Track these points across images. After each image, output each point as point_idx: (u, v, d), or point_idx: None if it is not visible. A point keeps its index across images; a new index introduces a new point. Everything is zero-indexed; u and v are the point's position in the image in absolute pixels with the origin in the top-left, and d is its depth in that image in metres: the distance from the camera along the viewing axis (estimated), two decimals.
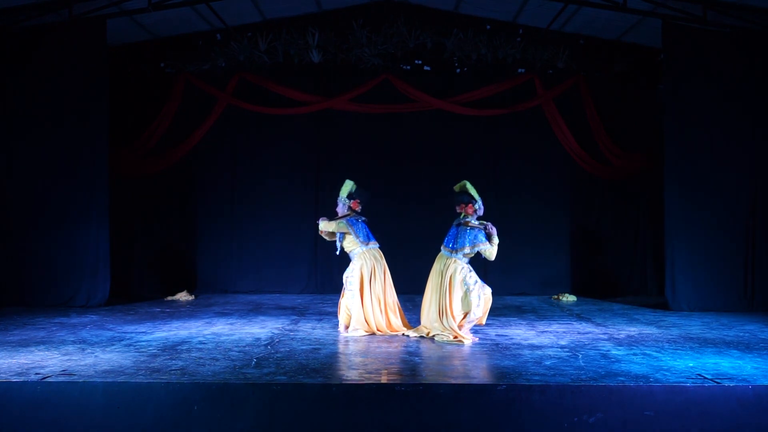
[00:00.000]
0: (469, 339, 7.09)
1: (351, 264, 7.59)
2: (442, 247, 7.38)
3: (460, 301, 7.17)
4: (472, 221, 7.26)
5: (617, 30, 11.13)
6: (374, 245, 7.64)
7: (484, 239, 7.19)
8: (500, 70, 11.70)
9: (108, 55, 10.15)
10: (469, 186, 7.34)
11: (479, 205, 7.29)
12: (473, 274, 7.27)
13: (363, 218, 7.72)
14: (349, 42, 11.68)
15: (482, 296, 7.18)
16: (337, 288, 11.34)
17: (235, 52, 11.63)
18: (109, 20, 9.89)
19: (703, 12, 9.60)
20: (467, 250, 7.18)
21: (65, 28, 9.87)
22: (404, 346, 6.68)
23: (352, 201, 7.69)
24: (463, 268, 7.21)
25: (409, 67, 11.81)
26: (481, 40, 11.64)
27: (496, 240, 7.19)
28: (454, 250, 7.22)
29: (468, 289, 7.15)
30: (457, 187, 7.44)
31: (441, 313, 7.22)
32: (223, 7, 10.71)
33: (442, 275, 7.23)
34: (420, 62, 11.81)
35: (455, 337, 7.07)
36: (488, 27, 11.71)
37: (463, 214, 7.32)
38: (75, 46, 9.87)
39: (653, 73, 11.44)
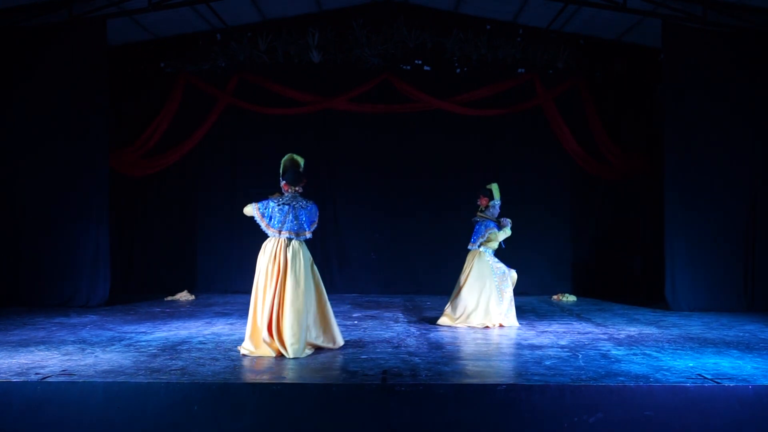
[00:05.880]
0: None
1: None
2: (469, 245, 8.27)
3: (497, 289, 8.12)
4: (486, 213, 8.23)
5: (617, 30, 11.13)
6: (285, 234, 6.60)
7: (492, 226, 8.18)
8: (500, 70, 11.70)
9: (108, 55, 10.14)
10: (495, 186, 8.31)
11: (494, 203, 8.27)
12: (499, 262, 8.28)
13: (292, 201, 6.57)
14: (349, 42, 11.68)
15: (510, 278, 8.25)
16: (337, 288, 11.39)
17: (235, 52, 11.63)
18: (109, 20, 9.89)
19: (703, 12, 9.60)
20: (482, 239, 8.17)
21: (65, 28, 9.87)
22: (404, 346, 6.67)
23: (282, 182, 6.56)
24: (489, 257, 8.18)
25: (409, 67, 11.81)
26: (481, 40, 11.64)
27: (507, 231, 8.23)
28: (474, 242, 8.21)
29: (503, 273, 8.18)
30: (488, 186, 8.35)
31: (486, 304, 8.04)
32: (223, 7, 10.72)
33: (472, 268, 8.13)
34: (420, 62, 11.82)
35: (500, 325, 8.02)
36: (488, 27, 11.72)
37: (480, 207, 8.30)
38: (75, 46, 9.87)
39: (653, 73, 11.43)
